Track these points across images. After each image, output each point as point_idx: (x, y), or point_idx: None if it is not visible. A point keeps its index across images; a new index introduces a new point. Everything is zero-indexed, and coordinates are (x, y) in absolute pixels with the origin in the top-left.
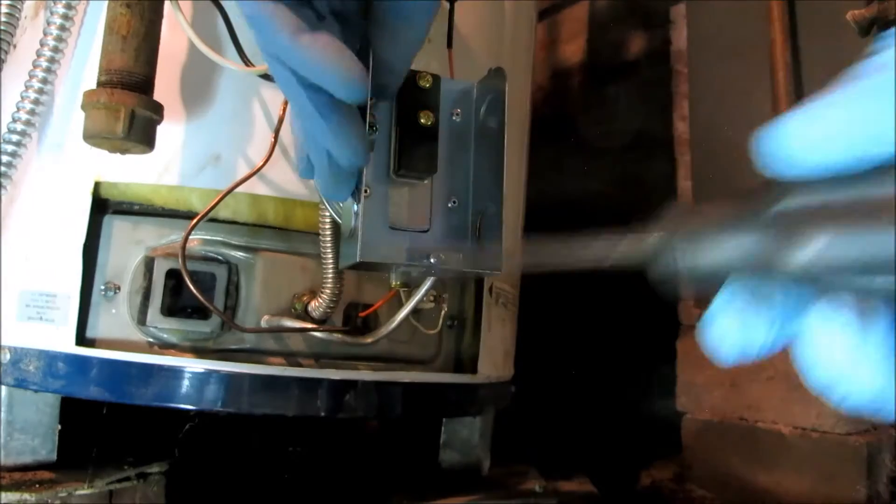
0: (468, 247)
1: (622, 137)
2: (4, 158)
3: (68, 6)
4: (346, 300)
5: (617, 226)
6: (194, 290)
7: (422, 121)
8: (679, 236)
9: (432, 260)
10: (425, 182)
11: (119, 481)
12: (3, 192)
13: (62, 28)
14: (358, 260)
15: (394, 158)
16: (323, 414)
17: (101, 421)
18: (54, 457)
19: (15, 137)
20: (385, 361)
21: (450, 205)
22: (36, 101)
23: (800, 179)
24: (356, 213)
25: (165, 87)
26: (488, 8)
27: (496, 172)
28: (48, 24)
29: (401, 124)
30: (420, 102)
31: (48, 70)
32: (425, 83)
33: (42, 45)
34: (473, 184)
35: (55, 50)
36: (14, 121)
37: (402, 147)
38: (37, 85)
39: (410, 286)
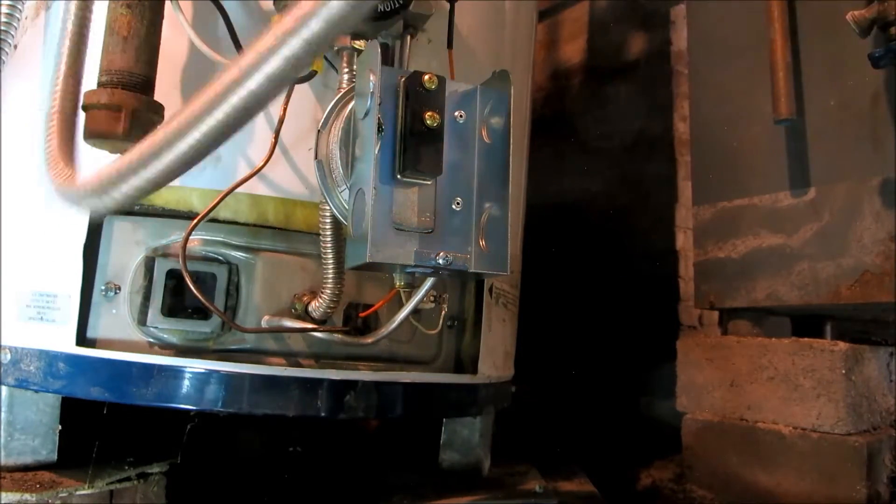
0: (474, 248)
1: (622, 138)
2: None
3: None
4: (347, 300)
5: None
6: (195, 291)
7: (427, 122)
8: None
9: (440, 261)
10: (430, 183)
11: (119, 481)
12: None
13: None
14: (367, 261)
15: (399, 159)
16: (323, 414)
17: (101, 421)
18: (55, 457)
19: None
20: (385, 361)
21: (454, 206)
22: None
23: None
24: (365, 214)
25: (165, 87)
26: (488, 8)
27: (501, 174)
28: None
29: (406, 125)
30: (426, 103)
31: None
32: (431, 84)
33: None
34: (478, 185)
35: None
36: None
37: (407, 148)
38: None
39: (414, 286)
